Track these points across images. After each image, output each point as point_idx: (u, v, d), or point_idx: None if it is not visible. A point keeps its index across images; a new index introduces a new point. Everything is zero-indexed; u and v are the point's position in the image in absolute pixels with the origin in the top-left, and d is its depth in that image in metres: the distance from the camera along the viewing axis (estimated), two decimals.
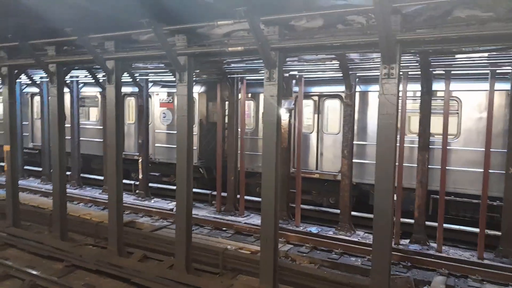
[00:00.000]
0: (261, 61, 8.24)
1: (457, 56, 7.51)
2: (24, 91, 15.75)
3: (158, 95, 13.01)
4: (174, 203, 11.52)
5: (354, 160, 9.57)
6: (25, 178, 15.41)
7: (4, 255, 8.09)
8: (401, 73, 6.51)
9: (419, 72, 8.27)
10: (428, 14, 4.90)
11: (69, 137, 12.94)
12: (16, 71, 9.32)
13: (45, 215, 9.84)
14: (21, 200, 9.94)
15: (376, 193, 5.35)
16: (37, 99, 15.74)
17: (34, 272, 7.13)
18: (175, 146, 6.92)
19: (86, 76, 12.95)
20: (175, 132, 6.65)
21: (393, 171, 5.18)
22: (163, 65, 9.91)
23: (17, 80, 10.31)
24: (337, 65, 8.62)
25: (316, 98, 10.84)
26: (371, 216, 9.42)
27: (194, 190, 7.27)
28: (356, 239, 8.88)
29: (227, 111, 11.53)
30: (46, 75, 9.79)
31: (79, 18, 5.92)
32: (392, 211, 5.34)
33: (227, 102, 11.36)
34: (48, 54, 8.01)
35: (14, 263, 7.53)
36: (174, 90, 12.48)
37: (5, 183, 9.54)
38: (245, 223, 10.02)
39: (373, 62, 8.51)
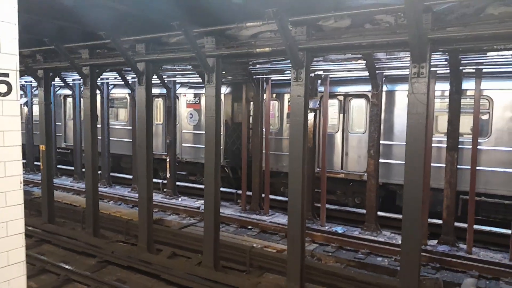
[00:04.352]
0: (287, 61, 8.26)
1: (489, 54, 7.28)
2: (57, 93, 16.26)
3: (185, 96, 13.16)
4: (201, 201, 11.78)
5: (380, 160, 9.42)
6: (58, 177, 15.85)
7: (40, 251, 8.37)
8: None
9: (447, 71, 8.07)
10: (460, 11, 4.78)
11: (99, 137, 13.21)
12: (51, 73, 9.63)
13: (78, 212, 10.10)
14: (55, 197, 10.23)
15: (405, 193, 5.26)
16: (69, 100, 16.20)
17: (69, 267, 7.35)
18: (202, 146, 7.00)
19: (115, 78, 13.26)
20: (202, 132, 6.74)
21: (423, 171, 5.10)
22: (190, 67, 10.04)
23: (52, 82, 10.60)
24: (364, 64, 8.50)
25: (341, 97, 10.73)
26: (397, 216, 9.47)
27: (220, 189, 7.35)
28: (382, 239, 8.76)
29: (252, 112, 11.55)
30: (79, 77, 10.08)
31: (113, 21, 6.07)
32: (421, 211, 5.22)
33: (252, 103, 11.38)
34: (82, 57, 8.25)
35: (49, 258, 7.78)
36: (200, 91, 12.63)
37: (41, 182, 9.87)
38: (270, 222, 10.01)
39: (400, 61, 8.36)
